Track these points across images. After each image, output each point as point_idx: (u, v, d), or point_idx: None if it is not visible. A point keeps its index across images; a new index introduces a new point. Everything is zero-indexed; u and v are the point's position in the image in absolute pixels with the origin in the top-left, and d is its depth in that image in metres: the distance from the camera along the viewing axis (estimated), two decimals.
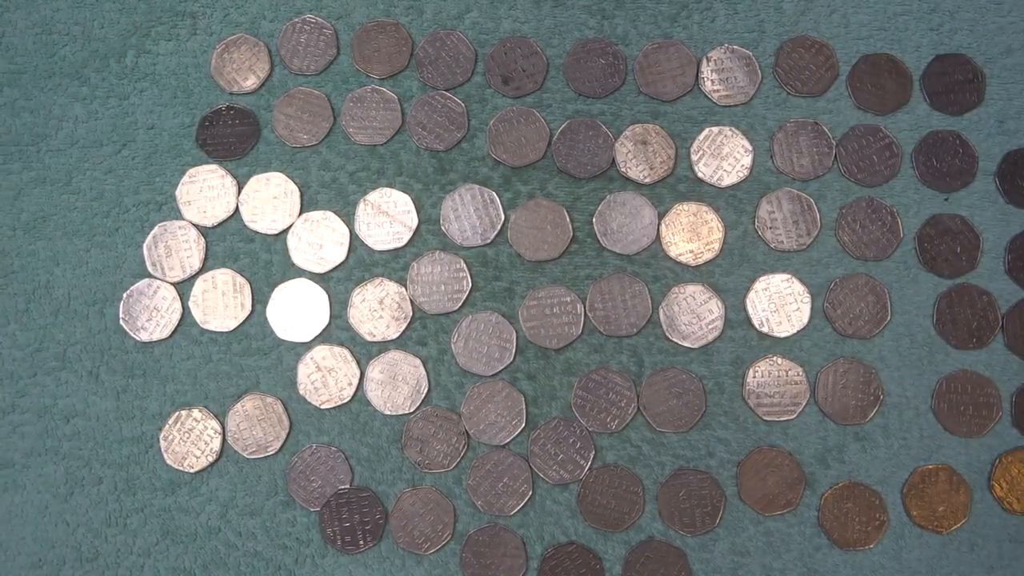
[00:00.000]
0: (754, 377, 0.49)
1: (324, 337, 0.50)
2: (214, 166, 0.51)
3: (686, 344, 0.50)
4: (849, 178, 0.51)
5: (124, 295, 0.50)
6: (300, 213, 0.51)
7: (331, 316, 0.50)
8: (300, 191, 0.51)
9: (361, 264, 0.51)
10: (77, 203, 0.51)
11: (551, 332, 0.50)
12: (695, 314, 0.50)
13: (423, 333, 0.50)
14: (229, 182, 0.51)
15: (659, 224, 0.50)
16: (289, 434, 0.50)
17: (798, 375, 0.49)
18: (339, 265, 0.51)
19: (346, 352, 0.50)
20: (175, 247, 0.51)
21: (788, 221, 0.50)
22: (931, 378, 0.49)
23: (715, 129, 0.51)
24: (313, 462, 0.49)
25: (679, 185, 0.51)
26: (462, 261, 0.50)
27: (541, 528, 0.49)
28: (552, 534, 0.49)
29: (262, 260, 0.51)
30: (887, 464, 0.49)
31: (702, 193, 0.51)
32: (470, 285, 0.50)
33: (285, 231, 0.51)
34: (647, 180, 0.51)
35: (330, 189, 0.51)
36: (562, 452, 0.49)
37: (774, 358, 0.49)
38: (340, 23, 0.53)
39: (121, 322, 0.50)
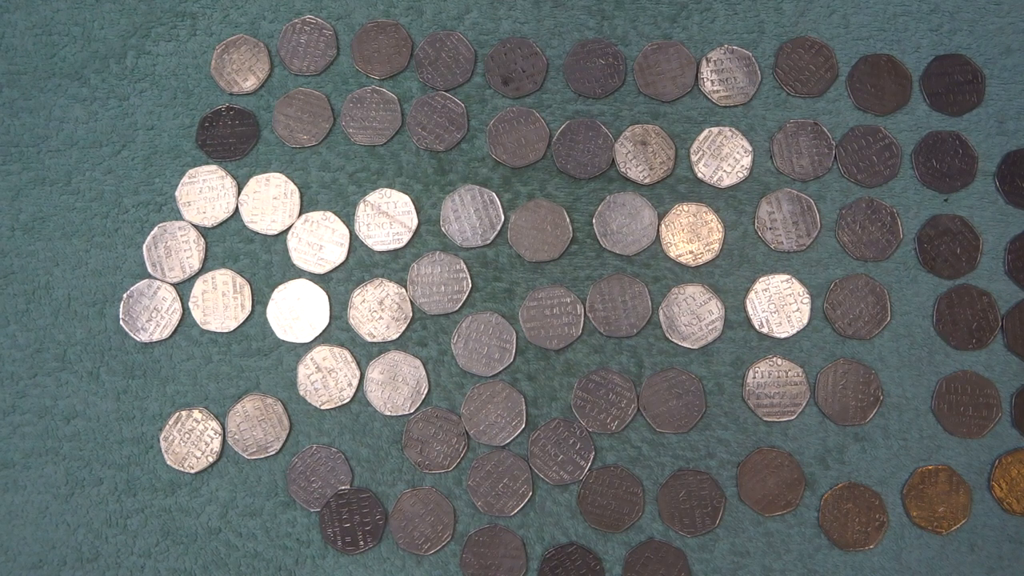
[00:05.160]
0: (754, 378, 0.49)
1: (324, 338, 0.50)
2: (214, 167, 0.51)
3: (686, 345, 0.50)
4: (849, 179, 0.51)
5: (124, 296, 0.50)
6: (300, 214, 0.51)
7: (331, 317, 0.50)
8: (300, 192, 0.51)
9: (361, 265, 0.51)
10: (76, 204, 0.51)
11: (551, 333, 0.50)
12: (695, 315, 0.50)
13: (423, 334, 0.50)
14: (229, 183, 0.51)
15: (659, 225, 0.50)
16: (289, 435, 0.50)
17: (798, 376, 0.49)
18: (339, 266, 0.51)
19: (346, 353, 0.50)
20: (175, 248, 0.51)
21: (788, 222, 0.50)
22: (931, 379, 0.49)
23: (715, 130, 0.51)
24: (313, 463, 0.49)
25: (679, 186, 0.51)
26: (462, 262, 0.50)
27: (541, 529, 0.49)
28: (552, 535, 0.49)
29: (262, 261, 0.51)
30: (887, 465, 0.49)
31: (702, 194, 0.51)
32: (470, 286, 0.50)
33: (285, 232, 0.51)
34: (647, 181, 0.51)
35: (330, 190, 0.51)
36: (562, 453, 0.49)
37: (774, 359, 0.49)
38: (340, 24, 0.53)
39: (121, 323, 0.50)
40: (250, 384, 0.50)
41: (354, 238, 0.51)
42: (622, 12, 0.52)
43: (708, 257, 0.50)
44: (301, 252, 0.51)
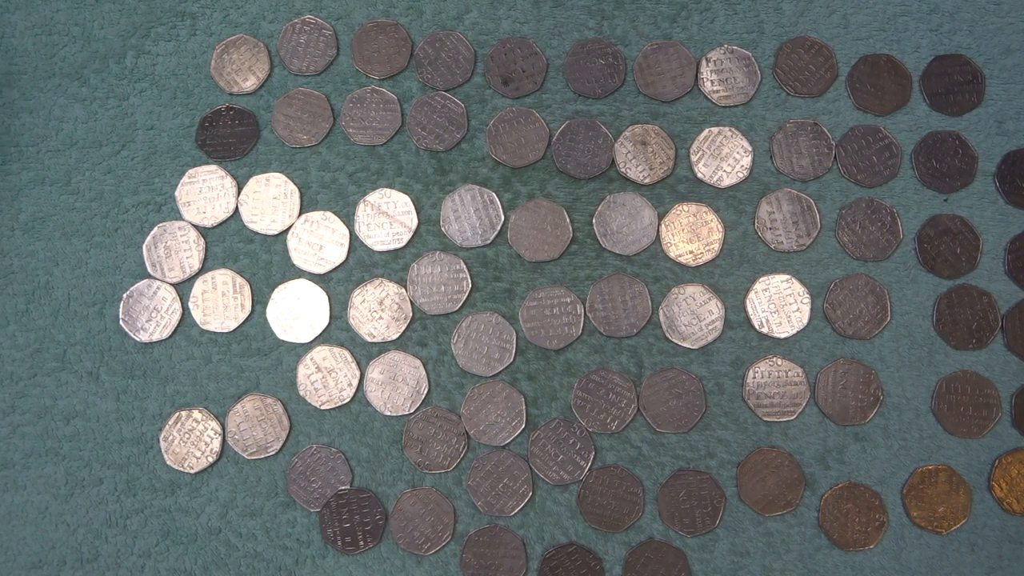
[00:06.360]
0: (754, 378, 0.49)
1: (324, 338, 0.50)
2: (214, 167, 0.51)
3: (686, 345, 0.50)
4: (849, 179, 0.51)
5: (124, 296, 0.50)
6: (300, 214, 0.51)
7: (331, 317, 0.50)
8: (300, 192, 0.51)
9: (361, 265, 0.51)
10: (76, 204, 0.51)
11: (551, 333, 0.50)
12: (695, 315, 0.50)
13: (423, 334, 0.50)
14: (229, 183, 0.51)
15: (659, 225, 0.50)
16: (289, 435, 0.50)
17: (798, 376, 0.49)
18: (339, 266, 0.51)
19: (346, 353, 0.50)
20: (175, 248, 0.51)
21: (788, 222, 0.50)
22: (931, 379, 0.49)
23: (715, 130, 0.51)
24: (313, 463, 0.49)
25: (679, 186, 0.51)
26: (462, 262, 0.50)
27: (541, 529, 0.49)
28: (552, 535, 0.49)
29: (262, 261, 0.51)
30: (887, 465, 0.49)
31: (702, 194, 0.51)
32: (470, 286, 0.50)
33: (285, 232, 0.51)
34: (647, 181, 0.51)
35: (330, 190, 0.51)
36: (562, 453, 0.49)
37: (774, 359, 0.49)
38: (340, 24, 0.53)
39: (121, 323, 0.50)
40: (250, 384, 0.50)
41: (354, 238, 0.51)
42: (622, 12, 0.52)
43: (708, 257, 0.50)
44: (301, 252, 0.51)
